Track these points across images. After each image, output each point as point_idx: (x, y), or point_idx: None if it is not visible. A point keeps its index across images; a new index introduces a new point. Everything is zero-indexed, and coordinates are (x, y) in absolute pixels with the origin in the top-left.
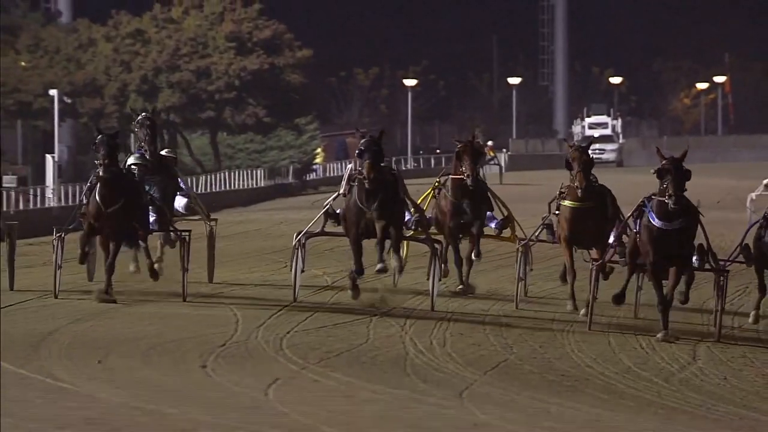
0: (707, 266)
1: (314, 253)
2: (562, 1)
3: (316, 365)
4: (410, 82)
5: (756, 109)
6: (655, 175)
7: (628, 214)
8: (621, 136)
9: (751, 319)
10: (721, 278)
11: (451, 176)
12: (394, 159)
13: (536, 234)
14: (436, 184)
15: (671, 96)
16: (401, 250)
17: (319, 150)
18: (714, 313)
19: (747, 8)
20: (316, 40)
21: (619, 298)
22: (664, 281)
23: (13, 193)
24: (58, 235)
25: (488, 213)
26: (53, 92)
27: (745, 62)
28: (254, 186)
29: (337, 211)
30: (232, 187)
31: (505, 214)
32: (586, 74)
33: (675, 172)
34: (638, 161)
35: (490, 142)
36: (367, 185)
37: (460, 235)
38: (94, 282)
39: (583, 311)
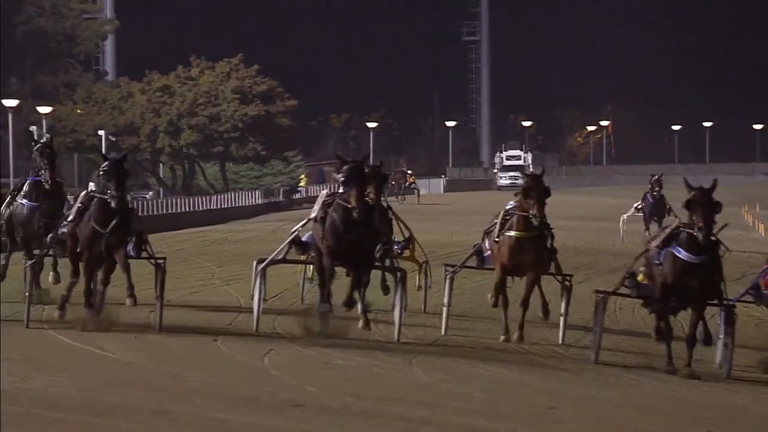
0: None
1: None
2: (487, 64)
3: (300, 340)
4: (372, 125)
5: (630, 145)
6: (685, 206)
7: (654, 244)
8: (531, 166)
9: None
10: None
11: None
12: None
13: (465, 261)
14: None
15: (568, 135)
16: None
17: (303, 176)
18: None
19: (622, 71)
20: (301, 92)
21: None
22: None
23: None
24: (31, 262)
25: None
26: (101, 132)
27: (623, 111)
28: (253, 203)
29: (303, 239)
30: (237, 204)
31: (407, 235)
32: (504, 119)
33: (706, 205)
34: None
35: (410, 171)
36: (355, 215)
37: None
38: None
39: (503, 338)
